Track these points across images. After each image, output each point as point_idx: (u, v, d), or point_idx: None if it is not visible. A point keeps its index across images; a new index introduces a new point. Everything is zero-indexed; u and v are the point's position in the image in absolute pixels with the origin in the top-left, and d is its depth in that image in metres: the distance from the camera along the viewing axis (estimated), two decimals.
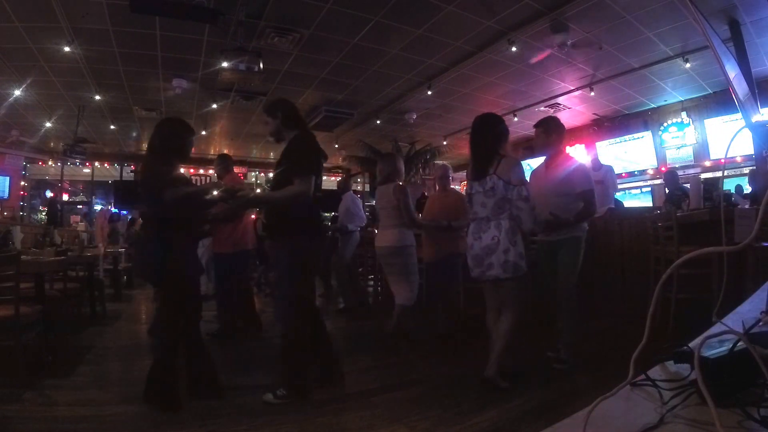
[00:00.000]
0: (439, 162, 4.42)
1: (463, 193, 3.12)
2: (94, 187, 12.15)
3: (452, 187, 4.29)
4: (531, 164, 9.09)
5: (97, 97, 7.11)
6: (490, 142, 2.63)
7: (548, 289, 3.05)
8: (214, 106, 7.72)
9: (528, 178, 3.16)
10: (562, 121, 3.16)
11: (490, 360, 2.54)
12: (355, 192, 7.39)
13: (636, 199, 8.85)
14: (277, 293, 2.48)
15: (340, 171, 13.06)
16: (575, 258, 2.89)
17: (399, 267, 3.56)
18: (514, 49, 5.69)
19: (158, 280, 2.46)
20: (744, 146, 6.26)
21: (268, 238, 2.60)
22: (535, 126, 3.11)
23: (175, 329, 2.38)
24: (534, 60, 6.17)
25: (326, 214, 8.71)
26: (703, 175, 7.21)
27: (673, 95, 7.78)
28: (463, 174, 12.08)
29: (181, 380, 2.39)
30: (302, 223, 2.46)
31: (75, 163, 10.30)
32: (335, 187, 6.20)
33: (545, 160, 3.10)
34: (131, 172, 11.44)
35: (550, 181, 2.97)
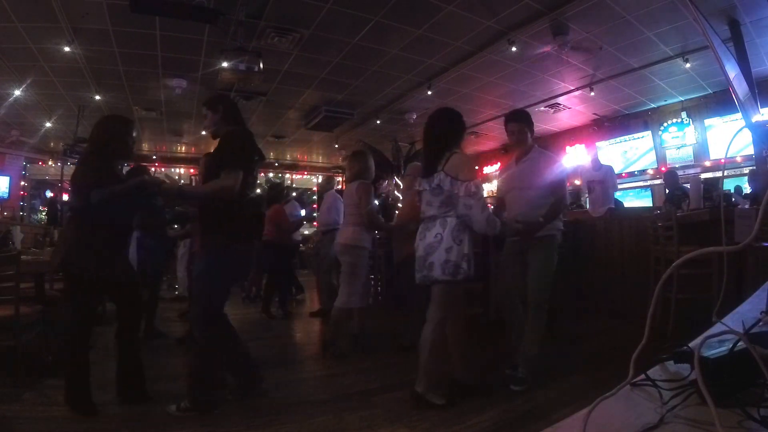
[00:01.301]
0: (414, 162, 4.36)
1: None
2: None
3: None
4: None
5: (97, 97, 7.10)
6: (441, 138, 2.46)
7: (509, 293, 2.80)
8: None
9: (498, 175, 3.06)
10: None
11: (419, 374, 2.34)
12: None
13: (645, 198, 8.84)
14: (193, 295, 2.33)
15: (341, 171, 13.06)
16: (549, 261, 2.66)
17: (346, 266, 3.42)
18: (514, 49, 5.69)
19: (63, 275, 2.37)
20: (744, 146, 6.27)
21: (199, 237, 2.44)
22: (510, 120, 2.87)
23: (76, 330, 2.31)
24: (536, 52, 6.10)
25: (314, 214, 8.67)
26: (703, 175, 7.21)
27: (673, 95, 7.78)
28: None
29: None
30: (225, 222, 2.30)
31: (75, 163, 10.29)
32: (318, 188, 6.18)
33: (516, 155, 2.92)
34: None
35: (521, 175, 2.80)
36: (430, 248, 2.33)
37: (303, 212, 6.86)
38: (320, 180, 13.31)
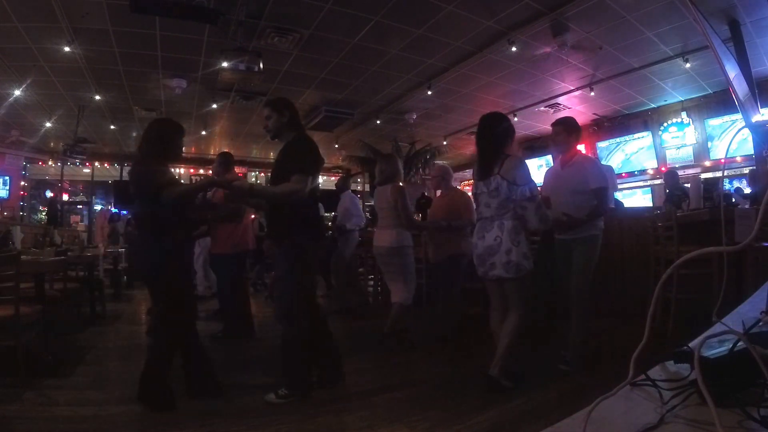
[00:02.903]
0: (438, 162, 4.41)
1: (469, 193, 3.14)
2: (94, 187, 12.14)
3: (454, 186, 4.25)
4: (540, 163, 9.16)
5: (97, 97, 7.10)
6: (495, 142, 2.61)
7: (560, 288, 3.03)
8: (214, 106, 7.72)
9: (543, 177, 3.18)
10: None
11: (495, 359, 2.52)
12: (355, 192, 7.37)
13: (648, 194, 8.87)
14: (278, 293, 2.46)
15: (340, 171, 13.07)
16: (591, 257, 2.87)
17: (397, 267, 3.55)
18: (514, 49, 5.69)
19: (155, 281, 2.43)
20: (744, 146, 6.27)
21: (269, 238, 2.59)
22: (554, 124, 3.09)
23: (172, 329, 2.38)
24: (536, 52, 6.12)
25: (327, 214, 8.71)
26: (703, 175, 7.21)
27: (673, 95, 7.78)
28: (462, 174, 12.08)
29: (179, 380, 2.40)
30: (303, 223, 2.46)
31: (75, 163, 10.29)
32: (334, 187, 6.18)
33: (561, 159, 3.08)
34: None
35: (566, 179, 2.97)
36: (490, 249, 2.52)
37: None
38: (320, 180, 13.31)
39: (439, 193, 4.26)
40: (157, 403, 2.27)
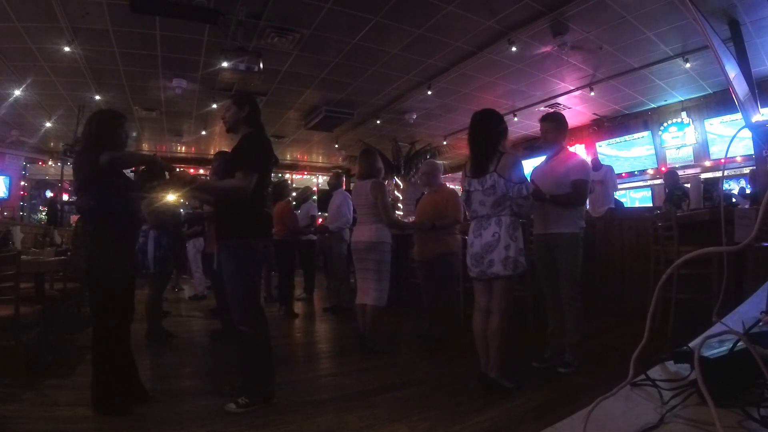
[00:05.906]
0: (428, 159, 4.36)
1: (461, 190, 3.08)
2: None
3: (445, 184, 4.18)
4: (534, 164, 9.16)
5: (97, 97, 7.10)
6: (490, 139, 2.56)
7: (546, 286, 3.00)
8: (214, 106, 7.72)
9: (531, 173, 3.14)
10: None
11: (491, 361, 2.50)
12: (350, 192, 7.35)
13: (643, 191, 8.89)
14: (229, 297, 2.40)
15: (340, 171, 13.04)
16: (575, 258, 2.83)
17: (372, 263, 3.46)
18: (514, 49, 5.69)
19: (87, 280, 2.34)
20: (744, 146, 6.27)
21: (217, 238, 2.49)
22: (542, 120, 3.06)
23: (112, 331, 2.28)
24: (536, 52, 6.11)
25: (325, 214, 8.72)
26: (703, 175, 7.21)
27: (673, 95, 7.78)
28: (460, 174, 12.07)
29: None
30: (251, 221, 2.39)
31: (72, 164, 10.28)
32: (327, 186, 6.18)
33: (548, 156, 3.06)
34: (131, 172, 11.37)
35: (550, 172, 2.96)
36: (488, 246, 2.49)
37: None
38: (320, 180, 13.31)
39: (427, 190, 4.21)
40: (111, 410, 2.19)
